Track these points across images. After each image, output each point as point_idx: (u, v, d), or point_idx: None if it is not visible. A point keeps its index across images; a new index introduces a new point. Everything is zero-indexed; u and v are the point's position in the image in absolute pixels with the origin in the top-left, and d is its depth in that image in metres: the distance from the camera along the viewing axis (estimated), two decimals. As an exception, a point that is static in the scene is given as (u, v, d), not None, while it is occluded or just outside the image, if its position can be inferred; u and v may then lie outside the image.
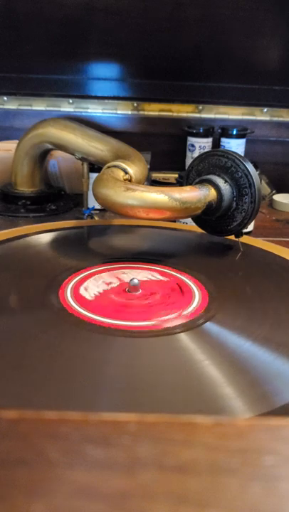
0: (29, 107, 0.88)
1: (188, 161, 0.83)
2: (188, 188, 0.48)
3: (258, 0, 0.81)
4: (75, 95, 0.89)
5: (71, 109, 0.89)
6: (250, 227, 0.65)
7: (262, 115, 0.90)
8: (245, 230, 0.55)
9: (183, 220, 0.62)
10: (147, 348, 0.36)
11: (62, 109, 0.89)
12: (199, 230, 0.55)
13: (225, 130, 0.83)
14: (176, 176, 0.83)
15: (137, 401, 0.30)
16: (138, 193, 0.45)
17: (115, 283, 0.44)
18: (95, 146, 0.62)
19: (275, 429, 0.21)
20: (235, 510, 0.17)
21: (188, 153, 0.85)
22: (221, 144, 0.84)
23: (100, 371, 0.33)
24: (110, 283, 0.44)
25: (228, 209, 0.50)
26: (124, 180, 0.51)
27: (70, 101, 0.89)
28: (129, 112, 0.89)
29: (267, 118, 0.90)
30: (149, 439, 0.20)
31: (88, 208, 0.66)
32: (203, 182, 0.50)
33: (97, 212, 0.67)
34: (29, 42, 0.85)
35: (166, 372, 0.33)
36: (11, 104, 0.88)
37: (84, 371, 0.33)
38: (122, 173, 0.51)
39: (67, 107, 0.89)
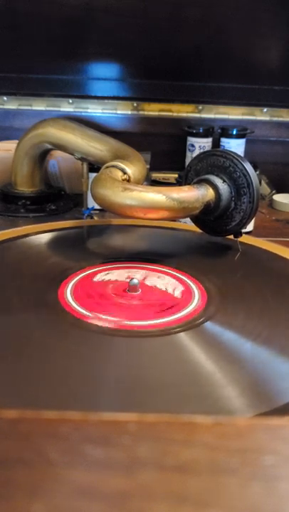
0: (29, 107, 0.88)
1: (188, 161, 0.83)
2: (186, 187, 0.48)
3: (258, 0, 0.81)
4: (74, 95, 0.89)
5: (71, 109, 0.89)
6: (250, 227, 0.65)
7: (262, 115, 0.90)
8: (245, 230, 0.55)
9: (183, 220, 0.62)
10: (147, 347, 0.36)
11: (62, 109, 0.89)
12: (199, 230, 0.55)
13: (225, 130, 0.83)
14: (176, 176, 0.83)
15: (136, 401, 0.30)
16: (136, 193, 0.45)
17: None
18: (94, 146, 0.62)
19: (275, 429, 0.21)
20: (235, 510, 0.17)
21: (188, 153, 0.85)
22: (221, 144, 0.84)
23: (99, 371, 0.33)
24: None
25: (226, 209, 0.50)
26: (123, 180, 0.51)
27: (70, 101, 0.89)
28: (129, 112, 0.89)
29: (267, 118, 0.90)
30: (149, 439, 0.20)
31: (88, 208, 0.66)
32: (201, 182, 0.50)
33: (97, 212, 0.67)
34: (29, 42, 0.85)
35: (166, 371, 0.33)
36: (11, 104, 0.88)
37: (84, 371, 0.33)
38: (120, 173, 0.51)
39: (67, 107, 0.89)
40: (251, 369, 0.34)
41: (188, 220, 0.56)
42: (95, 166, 0.66)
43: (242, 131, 0.83)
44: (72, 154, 0.65)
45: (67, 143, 0.64)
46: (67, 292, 0.42)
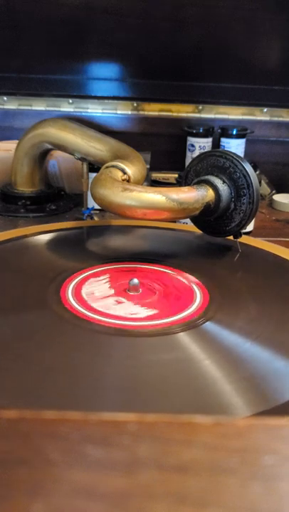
0: (29, 107, 0.88)
1: (188, 161, 0.83)
2: (185, 188, 0.48)
3: (258, 0, 0.81)
4: (74, 95, 0.89)
5: (71, 109, 0.89)
6: (250, 227, 0.65)
7: (262, 115, 0.90)
8: (245, 230, 0.55)
9: (183, 221, 0.62)
10: (147, 347, 0.36)
11: (62, 109, 0.89)
12: (199, 231, 0.55)
13: (225, 130, 0.83)
14: (176, 176, 0.83)
15: (137, 401, 0.30)
16: (135, 194, 0.45)
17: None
18: (94, 146, 0.62)
19: (274, 429, 0.21)
20: (235, 509, 0.17)
21: (188, 153, 0.84)
22: (221, 144, 0.84)
23: (100, 371, 0.33)
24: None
25: (226, 210, 0.50)
26: (123, 180, 0.51)
27: (70, 101, 0.89)
28: (129, 112, 0.89)
29: (267, 118, 0.90)
30: (149, 439, 0.20)
31: (88, 208, 0.66)
32: (201, 182, 0.50)
33: (97, 212, 0.67)
34: (29, 42, 0.85)
35: (166, 372, 0.33)
36: (10, 104, 0.88)
37: (84, 371, 0.33)
38: (120, 174, 0.51)
39: (67, 107, 0.89)
40: (251, 369, 0.34)
41: (188, 220, 0.56)
42: (95, 166, 0.66)
43: (242, 131, 0.83)
44: (72, 154, 0.65)
45: (67, 143, 0.64)
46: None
